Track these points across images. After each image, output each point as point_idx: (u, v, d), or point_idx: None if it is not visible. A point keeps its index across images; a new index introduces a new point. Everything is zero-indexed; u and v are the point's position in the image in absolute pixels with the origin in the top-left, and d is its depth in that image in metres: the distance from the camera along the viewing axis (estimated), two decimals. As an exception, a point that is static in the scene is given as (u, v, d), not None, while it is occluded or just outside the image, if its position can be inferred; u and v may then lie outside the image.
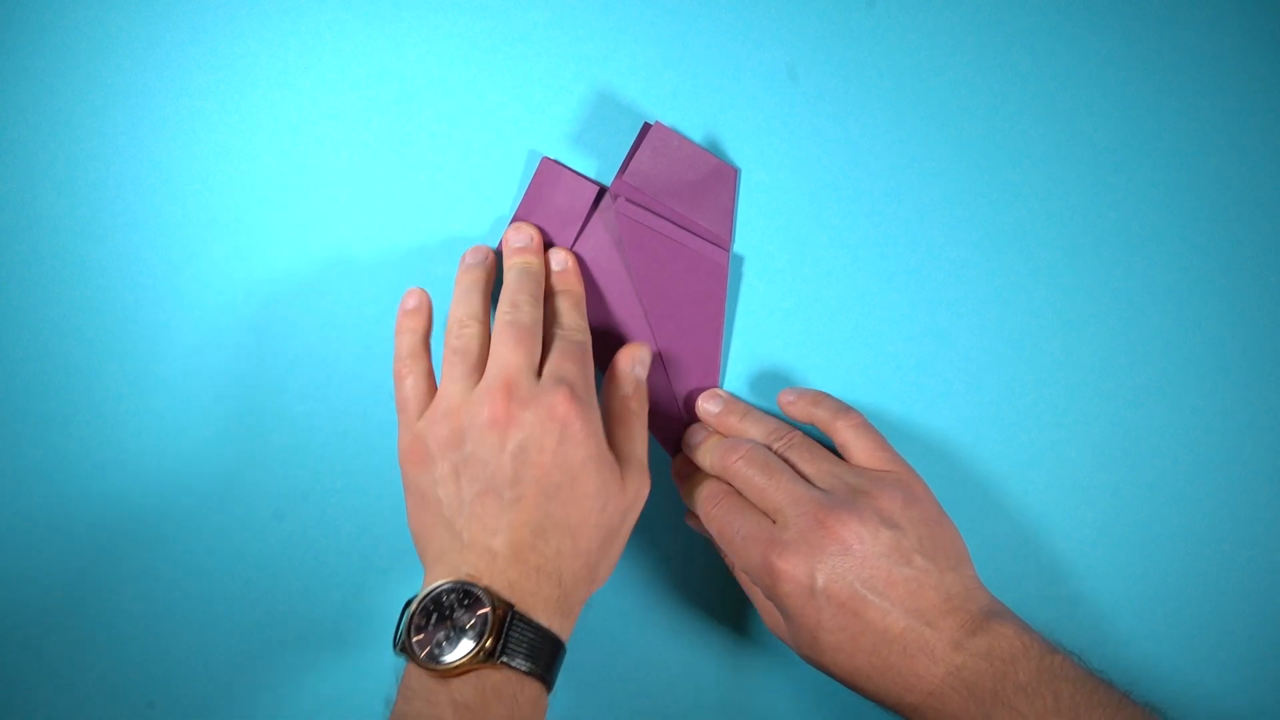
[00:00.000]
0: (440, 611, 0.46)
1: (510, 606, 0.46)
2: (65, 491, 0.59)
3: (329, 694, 0.59)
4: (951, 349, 0.58)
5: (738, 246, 0.58)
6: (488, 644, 0.45)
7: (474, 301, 0.54)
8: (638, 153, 0.57)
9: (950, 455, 0.58)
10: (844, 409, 0.55)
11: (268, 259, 0.59)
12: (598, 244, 0.57)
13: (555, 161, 0.57)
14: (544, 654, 0.47)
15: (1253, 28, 0.58)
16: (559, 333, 0.53)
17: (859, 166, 0.58)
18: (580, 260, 0.57)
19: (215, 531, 0.59)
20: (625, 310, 0.57)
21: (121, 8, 0.58)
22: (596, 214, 0.57)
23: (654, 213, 0.57)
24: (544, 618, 0.47)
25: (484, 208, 0.59)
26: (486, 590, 0.46)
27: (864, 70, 0.58)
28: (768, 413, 0.57)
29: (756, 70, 0.58)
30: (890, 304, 0.58)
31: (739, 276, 0.59)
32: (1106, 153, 0.58)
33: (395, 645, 0.48)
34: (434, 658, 0.46)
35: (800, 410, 0.56)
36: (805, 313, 0.59)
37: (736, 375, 0.59)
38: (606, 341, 0.57)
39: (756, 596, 0.55)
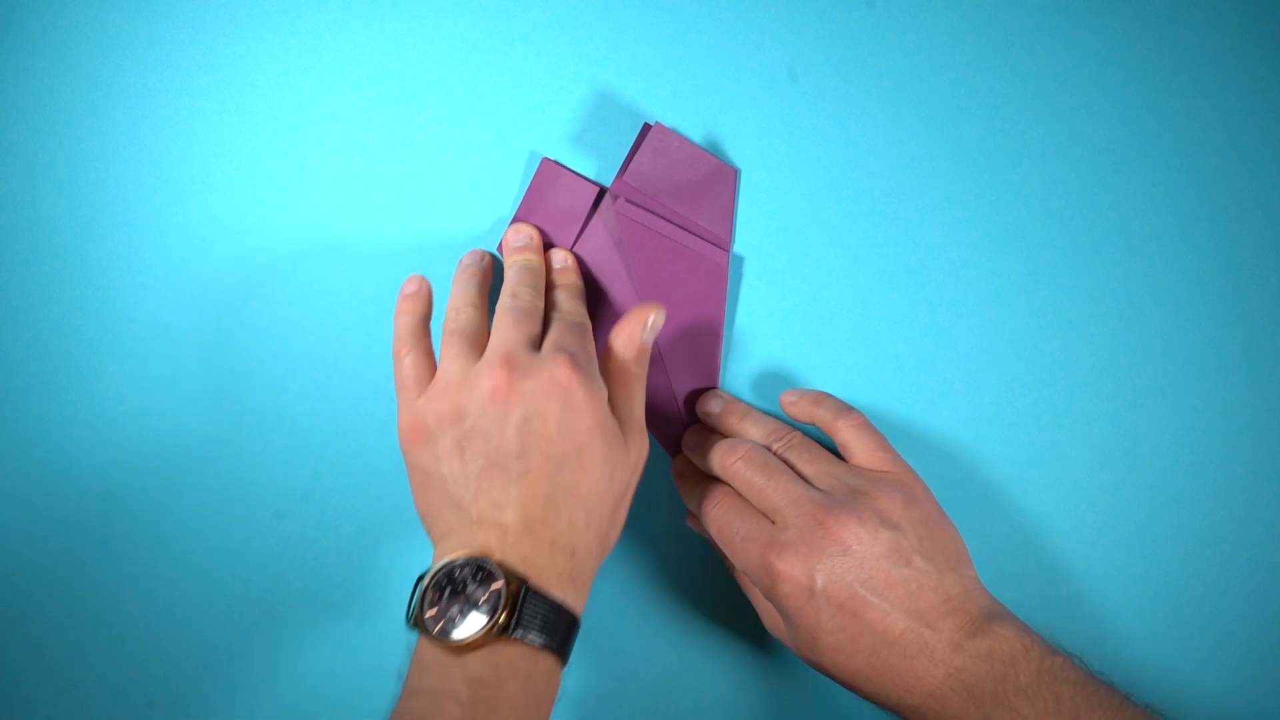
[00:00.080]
0: (453, 586, 0.46)
1: (524, 580, 0.46)
2: (65, 491, 0.58)
3: (329, 694, 0.59)
4: (951, 349, 0.58)
5: (738, 246, 0.58)
6: (501, 619, 0.45)
7: (471, 291, 0.54)
8: (638, 153, 0.57)
9: (950, 455, 0.58)
10: (845, 409, 0.55)
11: (268, 259, 0.59)
12: (598, 244, 0.57)
13: (555, 162, 0.57)
14: (558, 628, 0.46)
15: (1253, 28, 0.58)
16: (557, 316, 0.53)
17: (859, 166, 0.58)
18: (580, 261, 0.57)
19: (215, 531, 0.59)
20: (626, 310, 0.57)
21: (121, 8, 0.58)
22: (597, 214, 0.57)
23: (654, 213, 0.57)
24: (558, 591, 0.47)
25: (484, 208, 0.59)
26: (500, 564, 0.46)
27: (864, 70, 0.58)
28: (767, 413, 0.57)
29: (756, 70, 0.58)
30: (890, 304, 0.58)
31: (739, 276, 0.58)
32: (1106, 153, 0.58)
33: (408, 620, 0.47)
34: (447, 633, 0.45)
35: (801, 410, 0.56)
36: (805, 313, 0.58)
37: (736, 375, 0.59)
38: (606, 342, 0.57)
39: (756, 597, 0.55)
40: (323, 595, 0.59)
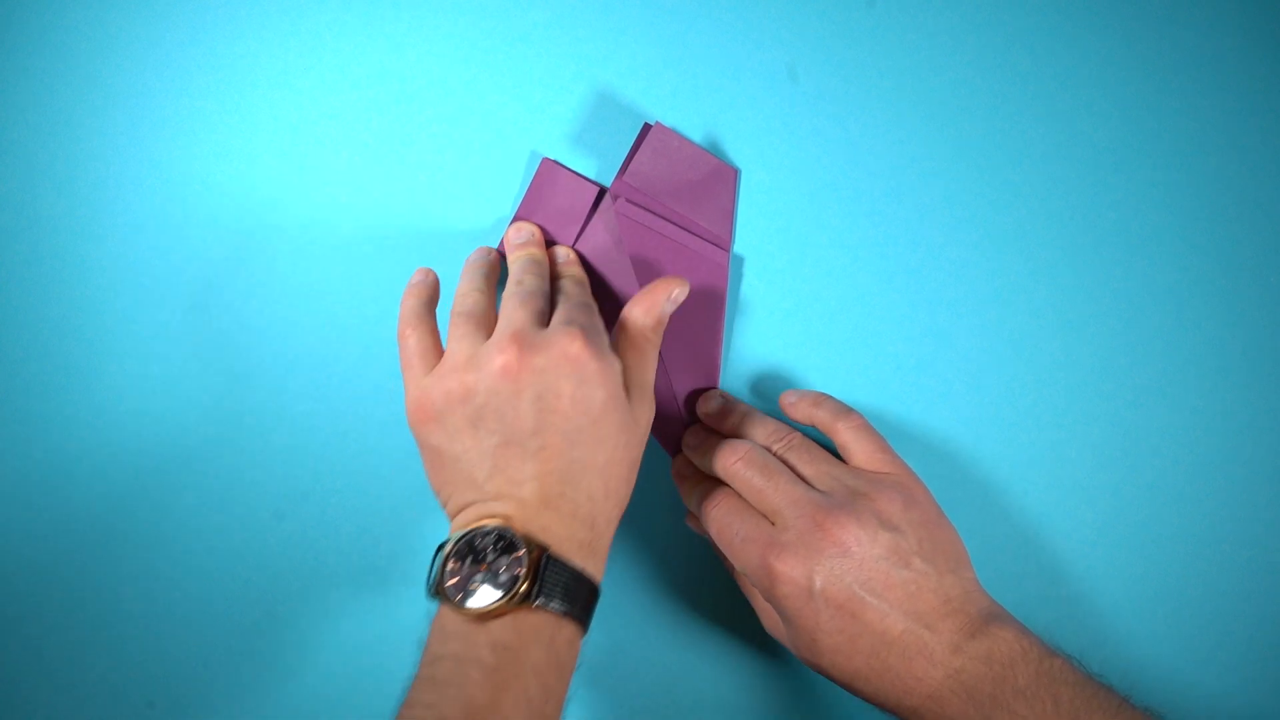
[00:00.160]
0: (474, 555, 0.46)
1: (545, 549, 0.46)
2: (65, 491, 0.58)
3: (329, 694, 0.58)
4: (951, 349, 0.58)
5: (738, 246, 0.58)
6: (523, 587, 0.45)
7: (478, 278, 0.53)
8: (638, 153, 0.57)
9: (950, 456, 0.58)
10: (845, 410, 0.55)
11: (267, 259, 0.59)
12: (598, 244, 0.57)
13: (555, 162, 0.57)
14: (579, 595, 0.46)
15: (1253, 28, 0.58)
16: (564, 297, 0.53)
17: (859, 166, 0.58)
18: (581, 260, 0.57)
19: (215, 531, 0.58)
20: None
21: (121, 8, 0.58)
22: (597, 214, 0.57)
23: (654, 213, 0.57)
24: (578, 559, 0.47)
25: (484, 208, 0.58)
26: (521, 533, 0.46)
27: (864, 70, 0.58)
28: (767, 414, 0.57)
29: (756, 70, 0.58)
30: (890, 304, 0.58)
31: (739, 276, 0.58)
32: (1106, 153, 0.58)
33: (429, 590, 0.47)
34: (469, 601, 0.45)
35: (801, 412, 0.56)
36: (805, 313, 0.58)
37: (736, 375, 0.59)
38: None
39: (755, 598, 0.55)
40: (323, 595, 0.59)
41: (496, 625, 0.45)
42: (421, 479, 0.58)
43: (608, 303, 0.57)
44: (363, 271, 0.58)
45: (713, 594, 0.59)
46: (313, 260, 0.59)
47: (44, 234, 0.58)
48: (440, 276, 0.55)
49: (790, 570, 0.49)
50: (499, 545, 0.46)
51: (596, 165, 0.58)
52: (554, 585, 0.45)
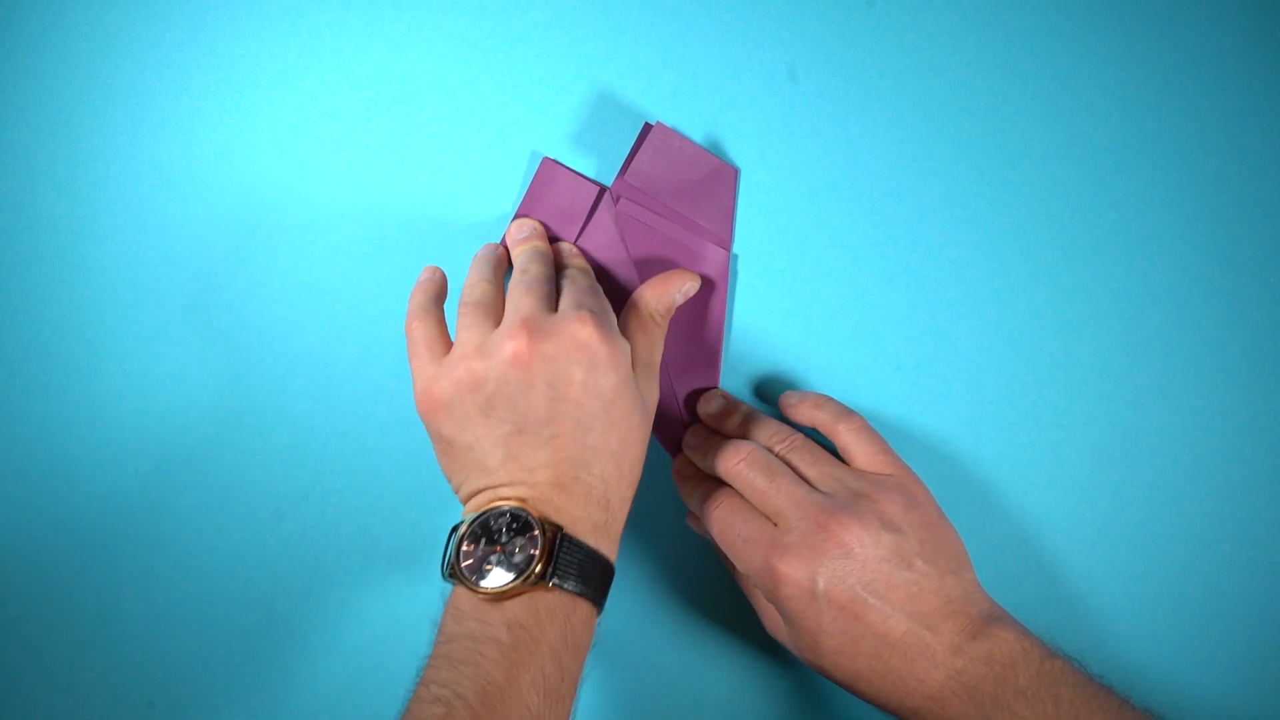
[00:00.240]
0: (488, 536, 0.46)
1: (559, 529, 0.46)
2: (65, 491, 0.58)
3: (329, 693, 0.58)
4: (951, 349, 0.58)
5: (738, 246, 0.58)
6: (538, 568, 0.45)
7: (486, 270, 0.53)
8: (638, 153, 0.57)
9: (950, 456, 0.58)
10: (846, 412, 0.55)
11: (268, 259, 0.58)
12: (598, 244, 0.57)
13: (556, 162, 0.57)
14: (594, 575, 0.46)
15: (1253, 28, 0.57)
16: (570, 283, 0.52)
17: (859, 166, 0.58)
18: (581, 258, 0.57)
19: (215, 531, 0.58)
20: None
21: (121, 8, 0.58)
22: (597, 214, 0.57)
23: (654, 212, 0.57)
24: (592, 540, 0.47)
25: (485, 208, 0.58)
26: (536, 515, 0.46)
27: (864, 70, 0.58)
28: (768, 415, 0.57)
29: (756, 70, 0.58)
30: (890, 304, 0.58)
31: (739, 276, 0.58)
32: (1106, 153, 0.58)
33: (443, 571, 0.47)
34: (484, 582, 0.45)
35: (802, 413, 0.56)
36: (805, 313, 0.58)
37: (736, 375, 0.59)
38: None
39: (757, 599, 0.55)
40: (323, 595, 0.58)
41: (512, 605, 0.45)
42: (423, 478, 0.58)
43: (609, 302, 0.57)
44: (363, 271, 0.58)
45: (714, 594, 0.59)
46: (313, 260, 0.58)
47: (44, 234, 0.58)
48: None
49: (793, 571, 0.49)
50: (514, 526, 0.46)
51: (596, 165, 0.58)
52: (569, 565, 0.46)
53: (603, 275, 0.57)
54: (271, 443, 0.58)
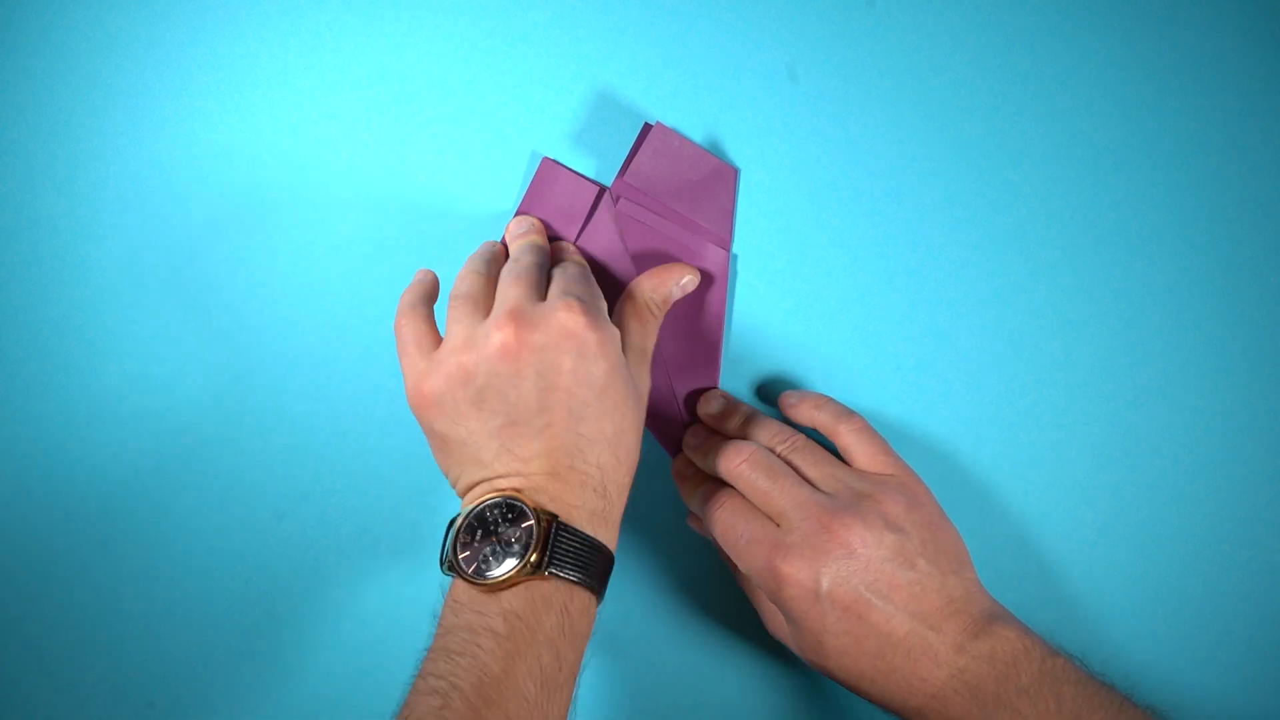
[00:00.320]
0: (485, 527, 0.46)
1: (554, 518, 0.46)
2: (65, 491, 0.58)
3: (329, 694, 0.58)
4: (951, 349, 0.58)
5: (737, 246, 0.58)
6: (533, 557, 0.45)
7: (478, 262, 0.53)
8: (638, 153, 0.56)
9: (950, 455, 0.58)
10: (846, 413, 0.54)
11: (268, 259, 0.58)
12: (598, 244, 0.56)
13: (555, 162, 0.57)
14: (591, 563, 0.46)
15: (1253, 28, 0.57)
16: (560, 273, 0.52)
17: (859, 166, 0.58)
18: (580, 259, 0.57)
19: (215, 531, 0.58)
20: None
21: (121, 8, 0.58)
22: (597, 214, 0.56)
23: (654, 213, 0.57)
24: (589, 528, 0.47)
25: (485, 208, 0.58)
26: (531, 504, 0.46)
27: (864, 70, 0.58)
28: (769, 415, 0.56)
29: (756, 70, 0.58)
30: (890, 304, 0.58)
31: (738, 276, 0.58)
32: (1106, 153, 0.57)
33: (441, 564, 0.47)
34: (481, 573, 0.45)
35: (803, 413, 0.55)
36: (805, 313, 0.58)
37: (736, 375, 0.58)
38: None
39: (759, 600, 0.55)
40: (323, 595, 0.58)
41: (509, 595, 0.45)
42: (422, 478, 0.58)
43: (608, 302, 0.57)
44: (363, 271, 0.58)
45: (715, 595, 0.58)
46: (313, 260, 0.58)
47: (44, 234, 0.58)
48: (440, 276, 0.55)
49: (796, 572, 0.49)
50: (509, 517, 0.46)
51: (596, 165, 0.58)
52: (565, 553, 0.45)
53: (602, 275, 0.56)
54: (271, 443, 0.58)
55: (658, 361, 0.57)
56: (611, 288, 0.57)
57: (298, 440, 0.58)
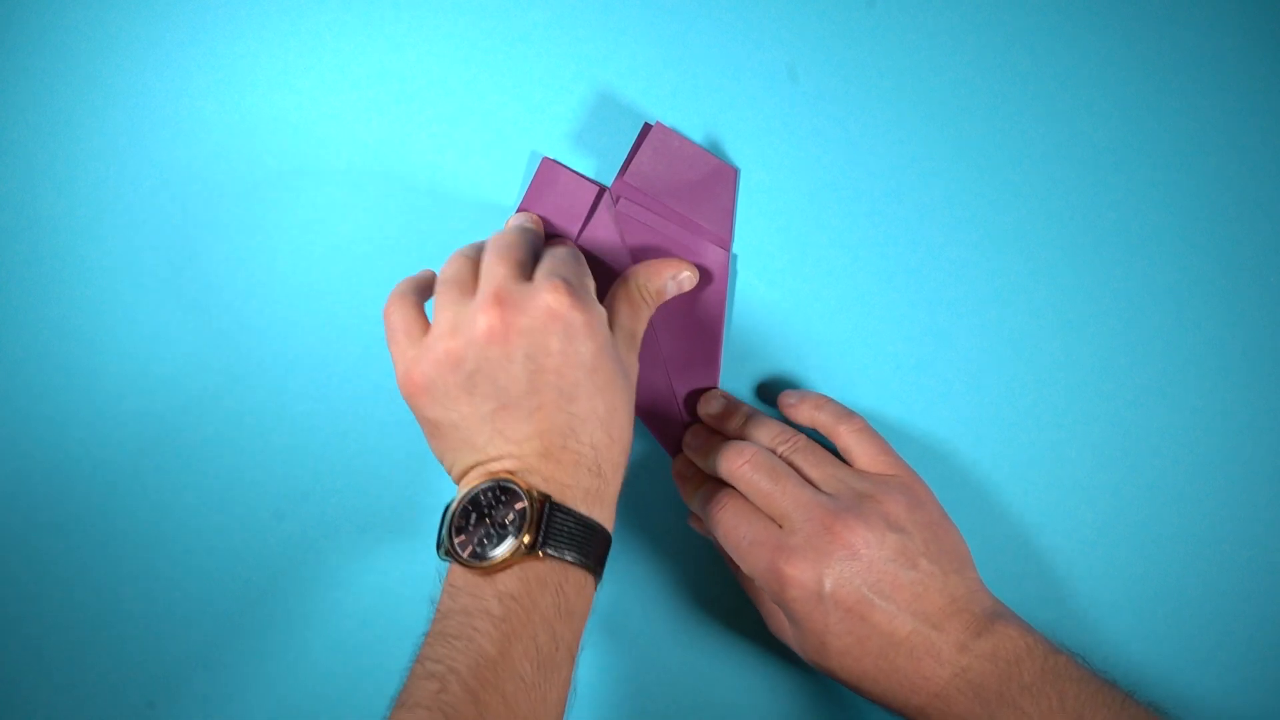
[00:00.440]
0: (479, 511, 0.45)
1: (548, 498, 0.45)
2: (65, 491, 0.58)
3: (329, 694, 0.58)
4: (951, 349, 0.57)
5: (737, 246, 0.58)
6: (527, 538, 0.44)
7: (468, 249, 0.52)
8: (638, 153, 0.56)
9: (950, 455, 0.57)
10: (846, 414, 0.54)
11: (268, 259, 0.58)
12: (598, 244, 0.56)
13: (555, 161, 0.56)
14: (587, 542, 0.46)
15: (1253, 28, 0.57)
16: (548, 255, 0.51)
17: (859, 166, 0.57)
18: (580, 259, 0.56)
19: (215, 531, 0.58)
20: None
21: (121, 8, 0.58)
22: (597, 214, 0.56)
23: (654, 213, 0.56)
24: (584, 508, 0.46)
25: (484, 208, 0.58)
26: (523, 485, 0.45)
27: (864, 70, 0.57)
28: (769, 415, 0.56)
29: (756, 70, 0.58)
30: (890, 304, 0.57)
31: (738, 276, 0.58)
32: (1106, 153, 0.57)
33: (439, 549, 0.47)
34: (477, 556, 0.45)
35: (803, 414, 0.55)
36: (805, 313, 0.58)
37: (736, 375, 0.58)
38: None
39: (761, 600, 0.54)
40: (323, 595, 0.58)
41: (503, 577, 0.45)
42: (423, 477, 0.58)
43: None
44: (363, 272, 0.58)
45: (715, 594, 0.58)
46: (313, 260, 0.58)
47: (44, 234, 0.58)
48: (439, 277, 0.55)
49: (800, 574, 0.49)
50: (503, 499, 0.45)
51: (596, 165, 0.58)
52: (559, 533, 0.45)
53: (602, 275, 0.56)
54: (271, 443, 0.58)
55: (658, 361, 0.57)
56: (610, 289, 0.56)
57: (298, 440, 0.58)
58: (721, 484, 0.54)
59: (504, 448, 0.47)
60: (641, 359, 0.56)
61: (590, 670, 0.57)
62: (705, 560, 0.58)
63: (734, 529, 0.52)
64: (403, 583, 0.58)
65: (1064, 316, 0.57)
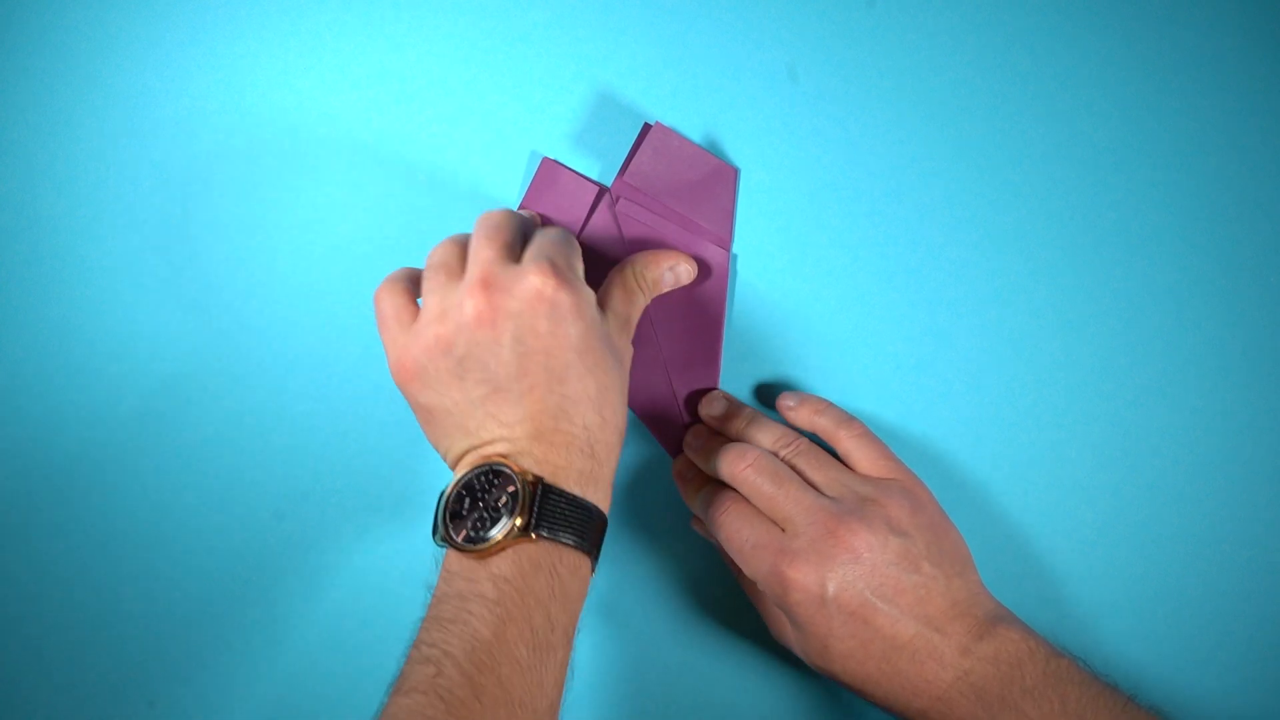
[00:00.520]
0: (473, 495, 0.45)
1: (540, 479, 0.45)
2: (66, 491, 0.58)
3: (329, 694, 0.58)
4: (951, 349, 0.57)
5: (737, 246, 0.57)
6: (519, 521, 0.44)
7: (457, 235, 0.51)
8: (638, 153, 0.56)
9: (950, 456, 0.57)
10: (846, 419, 0.54)
11: (268, 259, 0.58)
12: (599, 244, 0.56)
13: (555, 161, 0.56)
14: (581, 524, 0.46)
15: (1253, 28, 0.57)
16: (538, 236, 0.50)
17: (859, 166, 0.57)
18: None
19: (215, 531, 0.58)
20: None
21: (121, 8, 0.58)
22: (597, 214, 0.56)
23: (654, 213, 0.56)
24: (577, 489, 0.46)
25: (484, 208, 0.57)
26: (515, 468, 0.45)
27: (864, 70, 0.57)
28: (771, 418, 0.56)
29: (756, 70, 0.57)
30: (890, 304, 0.57)
31: (738, 276, 0.57)
32: (1106, 153, 0.57)
33: (434, 535, 0.46)
34: (471, 540, 0.45)
35: (802, 417, 0.55)
36: (805, 313, 0.57)
37: (735, 375, 0.58)
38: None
39: (763, 603, 0.54)
40: (323, 595, 0.58)
41: (497, 560, 0.45)
42: (423, 477, 0.57)
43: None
44: (363, 272, 0.58)
45: (716, 595, 0.58)
46: (313, 260, 0.58)
47: (44, 234, 0.58)
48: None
49: (803, 577, 0.48)
50: (496, 482, 0.45)
51: (596, 165, 0.57)
52: (552, 515, 0.45)
53: (602, 275, 0.56)
54: (271, 443, 0.58)
55: (658, 362, 0.56)
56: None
57: (298, 440, 0.58)
58: (723, 486, 0.53)
59: (496, 431, 0.46)
60: (641, 359, 0.56)
61: (591, 671, 0.57)
62: (706, 561, 0.58)
63: (736, 532, 0.51)
64: (404, 583, 0.58)
65: (1064, 316, 0.57)
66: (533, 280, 0.46)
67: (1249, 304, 0.56)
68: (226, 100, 0.58)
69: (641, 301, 0.53)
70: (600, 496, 0.47)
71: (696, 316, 0.57)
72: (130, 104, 0.58)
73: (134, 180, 0.58)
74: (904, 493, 0.51)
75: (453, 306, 0.47)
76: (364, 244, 0.58)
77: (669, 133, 0.56)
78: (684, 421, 0.57)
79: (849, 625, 0.48)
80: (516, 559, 0.45)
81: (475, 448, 0.47)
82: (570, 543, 0.45)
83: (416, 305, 0.50)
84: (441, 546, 0.46)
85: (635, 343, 0.55)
